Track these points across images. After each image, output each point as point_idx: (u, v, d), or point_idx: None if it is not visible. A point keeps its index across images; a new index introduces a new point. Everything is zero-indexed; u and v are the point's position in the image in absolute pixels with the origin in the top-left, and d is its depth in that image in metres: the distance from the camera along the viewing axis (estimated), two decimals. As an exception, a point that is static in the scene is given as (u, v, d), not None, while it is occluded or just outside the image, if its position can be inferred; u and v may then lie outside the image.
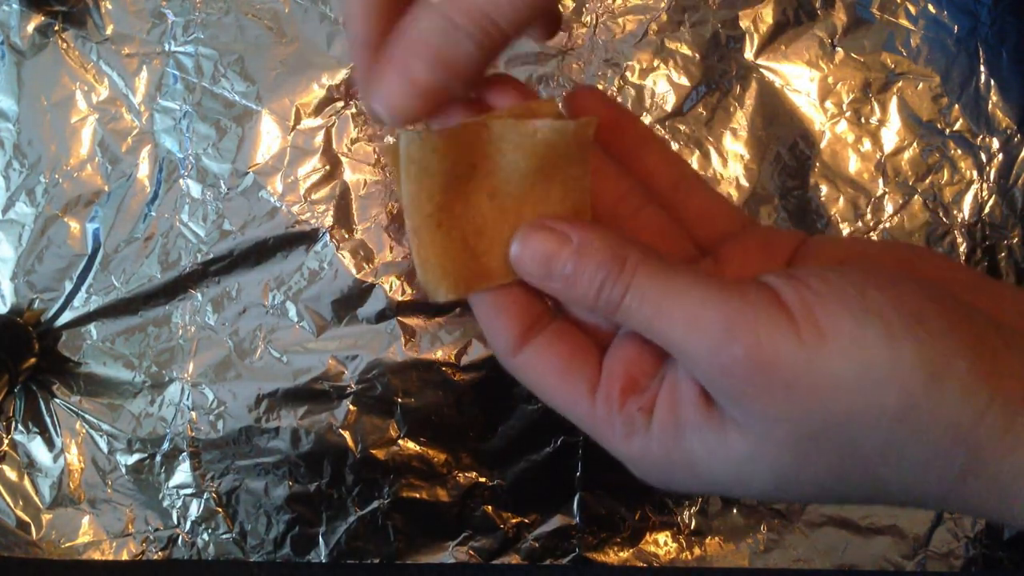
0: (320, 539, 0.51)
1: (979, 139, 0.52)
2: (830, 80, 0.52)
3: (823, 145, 0.52)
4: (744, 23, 0.52)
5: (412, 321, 0.51)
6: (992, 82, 0.52)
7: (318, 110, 0.52)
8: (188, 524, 0.52)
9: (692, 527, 0.51)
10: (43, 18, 0.53)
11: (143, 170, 0.53)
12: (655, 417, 0.24)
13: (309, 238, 0.52)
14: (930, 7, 0.52)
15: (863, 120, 0.52)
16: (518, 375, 0.26)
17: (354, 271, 0.52)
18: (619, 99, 0.52)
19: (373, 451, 0.51)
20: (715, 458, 0.23)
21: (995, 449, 0.20)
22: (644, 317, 0.23)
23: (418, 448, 0.51)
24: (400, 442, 0.51)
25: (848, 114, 0.52)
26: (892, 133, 0.52)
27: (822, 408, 0.21)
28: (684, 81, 0.52)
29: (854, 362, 0.20)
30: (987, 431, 0.20)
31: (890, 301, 0.21)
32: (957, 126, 0.52)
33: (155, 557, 0.52)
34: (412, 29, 0.23)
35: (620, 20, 0.52)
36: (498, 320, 0.26)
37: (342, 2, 0.25)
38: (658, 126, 0.52)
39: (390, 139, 0.52)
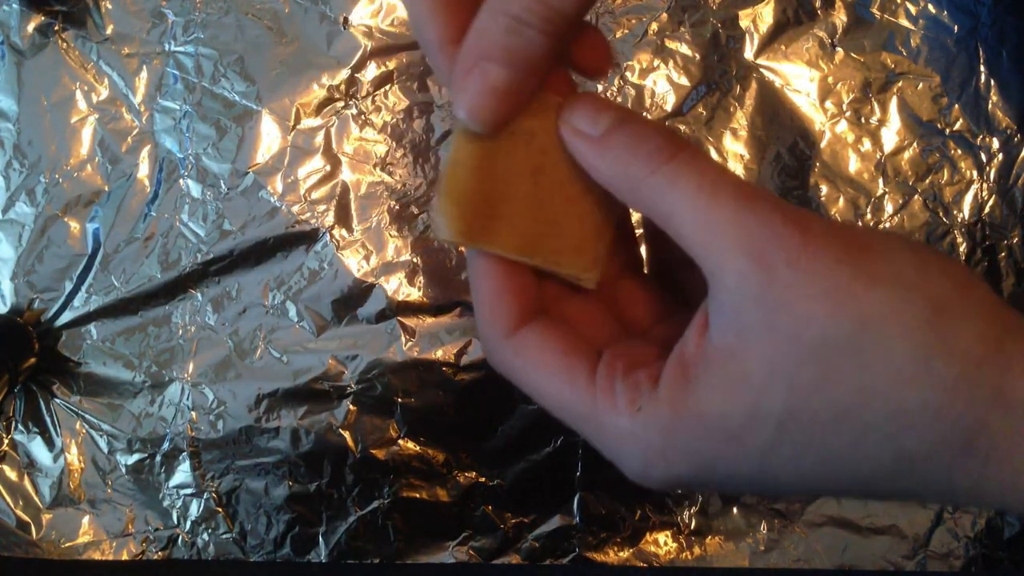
0: (320, 539, 0.51)
1: (979, 139, 0.52)
2: (830, 80, 0.52)
3: (823, 145, 0.52)
4: (744, 23, 0.52)
5: (412, 321, 0.51)
6: (992, 82, 0.52)
7: (318, 110, 0.52)
8: (188, 524, 0.52)
9: (692, 527, 0.51)
10: (43, 18, 0.53)
11: (143, 170, 0.53)
12: (663, 379, 0.23)
13: (309, 238, 0.52)
14: (930, 7, 0.52)
15: (863, 120, 0.52)
16: (508, 359, 0.25)
17: (354, 271, 0.52)
18: (619, 99, 0.52)
19: (373, 451, 0.51)
20: (728, 396, 0.22)
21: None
22: (689, 185, 0.22)
23: (418, 448, 0.51)
24: (400, 442, 0.51)
25: (848, 114, 0.52)
26: (892, 133, 0.52)
27: (856, 306, 0.21)
28: (684, 81, 0.52)
29: (890, 264, 0.21)
30: (1015, 359, 0.20)
31: (911, 244, 0.22)
32: (957, 126, 0.52)
33: (155, 557, 0.52)
34: (479, 33, 0.23)
35: (620, 20, 0.52)
36: (502, 298, 0.25)
37: (410, 9, 0.26)
38: (658, 126, 0.52)
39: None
